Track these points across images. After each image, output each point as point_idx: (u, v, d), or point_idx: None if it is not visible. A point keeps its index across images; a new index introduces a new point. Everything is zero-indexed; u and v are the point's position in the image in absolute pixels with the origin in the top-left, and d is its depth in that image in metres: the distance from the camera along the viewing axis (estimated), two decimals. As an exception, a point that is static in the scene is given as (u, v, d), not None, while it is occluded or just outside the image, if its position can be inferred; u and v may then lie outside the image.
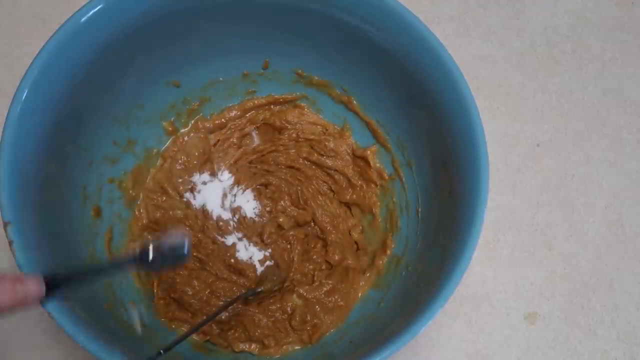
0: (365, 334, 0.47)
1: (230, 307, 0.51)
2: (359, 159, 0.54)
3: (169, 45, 0.48)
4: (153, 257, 0.37)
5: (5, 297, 0.31)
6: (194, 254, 0.53)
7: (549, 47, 0.63)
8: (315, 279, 0.53)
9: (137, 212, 0.53)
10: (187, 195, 0.54)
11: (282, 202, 0.56)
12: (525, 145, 0.60)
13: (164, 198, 0.54)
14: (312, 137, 0.55)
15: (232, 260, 0.53)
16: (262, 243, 0.54)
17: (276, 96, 0.55)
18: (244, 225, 0.54)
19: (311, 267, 0.54)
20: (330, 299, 0.52)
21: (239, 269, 0.53)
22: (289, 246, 0.54)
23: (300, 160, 0.56)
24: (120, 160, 0.51)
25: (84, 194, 0.48)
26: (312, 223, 0.56)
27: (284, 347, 0.51)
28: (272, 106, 0.55)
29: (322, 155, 0.55)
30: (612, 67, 0.63)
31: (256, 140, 0.57)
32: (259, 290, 0.51)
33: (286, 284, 0.53)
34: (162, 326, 0.51)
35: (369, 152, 0.53)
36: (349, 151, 0.55)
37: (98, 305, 0.45)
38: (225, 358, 0.50)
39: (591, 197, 0.59)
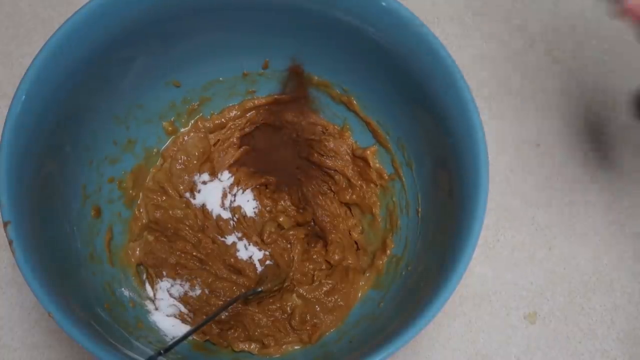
0: (365, 334, 0.47)
1: (230, 307, 0.51)
2: (359, 159, 0.54)
3: (169, 45, 0.48)
4: None
5: None
6: (194, 253, 0.53)
7: (549, 47, 0.63)
8: (315, 278, 0.53)
9: (137, 212, 0.53)
10: (187, 194, 0.54)
11: (282, 202, 0.56)
12: (525, 145, 0.60)
13: (164, 198, 0.54)
14: (312, 137, 0.55)
15: (232, 260, 0.53)
16: (262, 243, 0.54)
17: (276, 96, 0.55)
18: (243, 224, 0.55)
19: (311, 266, 0.54)
20: (330, 298, 0.52)
21: (239, 269, 0.53)
22: (289, 246, 0.54)
23: (300, 160, 0.56)
24: (120, 160, 0.51)
25: (84, 193, 0.48)
26: (312, 223, 0.56)
27: (284, 346, 0.51)
28: (272, 106, 0.55)
29: (322, 155, 0.55)
30: (612, 67, 0.63)
31: (256, 140, 0.57)
32: (259, 290, 0.51)
33: (286, 284, 0.53)
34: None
35: (368, 152, 0.53)
36: (348, 151, 0.55)
37: (98, 305, 0.45)
38: (225, 358, 0.50)
39: (591, 197, 0.59)
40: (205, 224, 0.54)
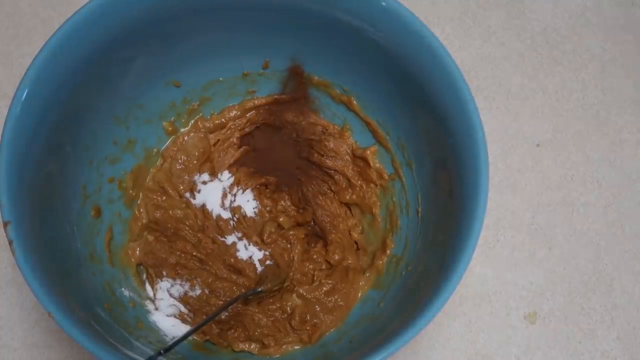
0: (365, 334, 0.47)
1: (230, 307, 0.51)
2: (359, 159, 0.54)
3: (169, 45, 0.48)
4: None
5: None
6: (194, 253, 0.53)
7: (549, 47, 0.63)
8: (315, 278, 0.53)
9: (137, 212, 0.53)
10: (187, 194, 0.54)
11: (282, 202, 0.56)
12: (525, 145, 0.60)
13: (164, 198, 0.54)
14: (312, 137, 0.55)
15: (232, 260, 0.53)
16: (262, 243, 0.54)
17: (276, 96, 0.55)
18: (243, 224, 0.55)
19: (311, 266, 0.54)
20: (330, 298, 0.52)
21: (239, 269, 0.53)
22: (289, 246, 0.54)
23: (300, 160, 0.56)
24: (120, 160, 0.51)
25: (83, 193, 0.48)
26: (312, 223, 0.56)
27: (284, 346, 0.51)
28: (272, 106, 0.55)
29: (322, 155, 0.55)
30: (612, 67, 0.63)
31: (256, 140, 0.57)
32: (259, 290, 0.51)
33: (286, 284, 0.53)
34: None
35: (368, 152, 0.53)
36: (348, 151, 0.55)
37: (98, 305, 0.45)
38: (225, 358, 0.50)
39: (591, 197, 0.59)
40: (205, 224, 0.54)
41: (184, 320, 0.51)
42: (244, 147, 0.56)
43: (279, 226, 0.55)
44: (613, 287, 0.57)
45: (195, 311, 0.52)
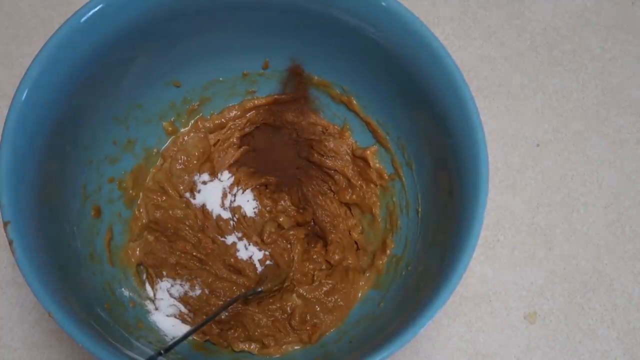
0: (365, 334, 0.47)
1: (230, 307, 0.51)
2: (359, 159, 0.54)
3: (169, 45, 0.48)
4: None
5: None
6: (194, 253, 0.53)
7: (549, 47, 0.63)
8: (315, 278, 0.53)
9: (137, 212, 0.53)
10: (187, 194, 0.55)
11: (282, 202, 0.56)
12: (525, 145, 0.60)
13: (164, 198, 0.54)
14: (312, 137, 0.55)
15: (232, 260, 0.53)
16: (262, 243, 0.54)
17: (276, 96, 0.55)
18: (243, 224, 0.55)
19: (311, 266, 0.54)
20: (330, 298, 0.52)
21: (239, 269, 0.53)
22: (289, 246, 0.54)
23: (300, 160, 0.56)
24: (120, 159, 0.51)
25: (83, 193, 0.48)
26: (312, 223, 0.56)
27: (284, 346, 0.51)
28: (272, 106, 0.55)
29: (322, 155, 0.55)
30: (612, 67, 0.63)
31: (256, 140, 0.57)
32: (259, 290, 0.51)
33: (286, 284, 0.53)
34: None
35: (368, 152, 0.53)
36: (348, 151, 0.55)
37: (98, 305, 0.45)
38: (225, 358, 0.50)
39: (591, 197, 0.59)
40: (205, 224, 0.54)
41: (184, 320, 0.51)
42: (244, 147, 0.56)
43: (279, 226, 0.55)
44: (613, 287, 0.57)
45: (195, 311, 0.52)
